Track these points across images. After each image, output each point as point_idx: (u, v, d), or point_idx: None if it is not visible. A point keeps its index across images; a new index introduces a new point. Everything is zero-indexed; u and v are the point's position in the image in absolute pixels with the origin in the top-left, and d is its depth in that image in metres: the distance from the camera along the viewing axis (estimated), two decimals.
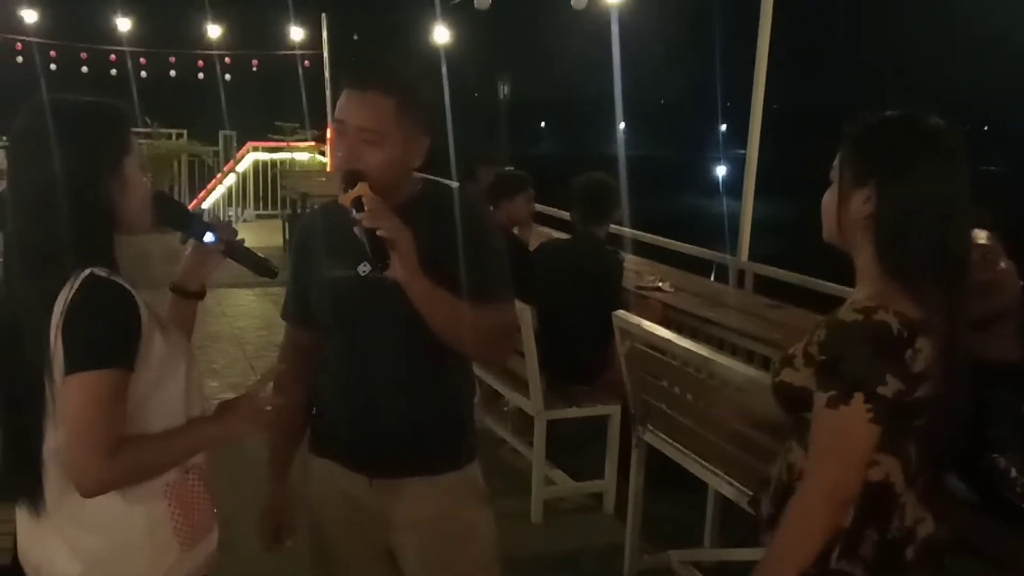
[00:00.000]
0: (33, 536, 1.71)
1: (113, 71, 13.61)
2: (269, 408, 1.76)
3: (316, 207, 2.18)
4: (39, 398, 1.59)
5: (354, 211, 1.75)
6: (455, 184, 3.53)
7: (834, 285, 4.93)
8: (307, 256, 2.04)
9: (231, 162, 12.59)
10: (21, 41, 13.14)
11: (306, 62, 13.92)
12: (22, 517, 1.71)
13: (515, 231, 4.73)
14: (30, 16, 12.82)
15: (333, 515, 2.05)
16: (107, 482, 1.58)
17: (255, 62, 14.67)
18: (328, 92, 12.74)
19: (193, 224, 1.82)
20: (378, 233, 1.72)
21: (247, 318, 7.62)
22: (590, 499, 4.26)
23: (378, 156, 1.83)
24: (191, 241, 1.85)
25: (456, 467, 2.01)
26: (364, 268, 1.89)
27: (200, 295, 1.90)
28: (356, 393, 1.96)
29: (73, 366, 1.54)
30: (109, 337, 1.57)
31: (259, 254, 1.90)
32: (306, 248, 2.05)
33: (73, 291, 1.56)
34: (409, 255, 1.74)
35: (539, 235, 5.07)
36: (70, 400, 1.55)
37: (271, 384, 1.85)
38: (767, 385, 2.28)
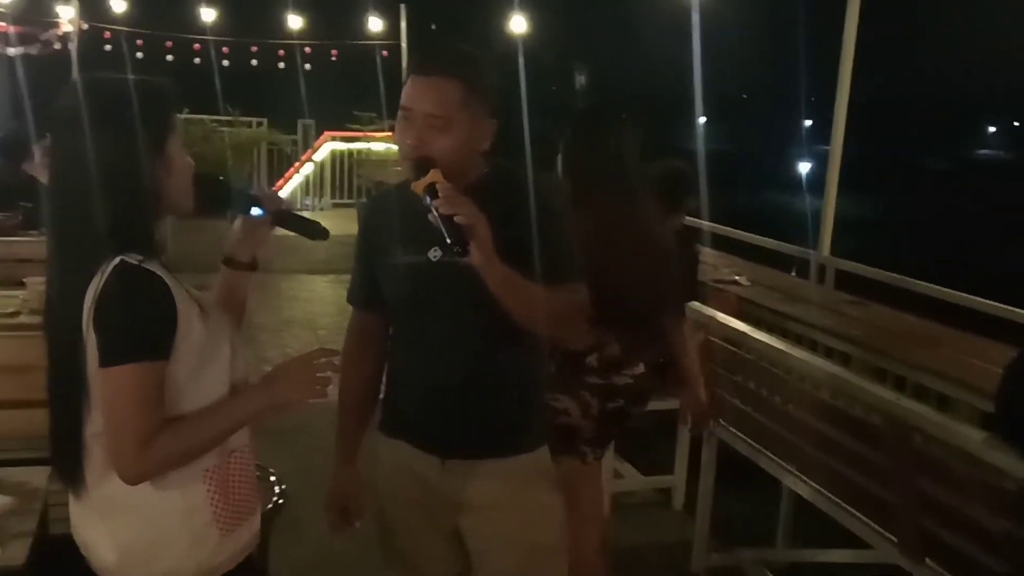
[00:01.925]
0: (78, 516, 1.70)
1: (197, 60, 13.90)
2: (322, 375, 1.65)
3: (383, 191, 2.16)
4: (78, 383, 1.57)
5: (428, 198, 1.74)
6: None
7: (923, 283, 4.75)
8: (375, 240, 2.05)
9: (309, 151, 12.76)
10: (109, 30, 13.52)
11: (384, 52, 14.03)
12: (71, 496, 1.71)
13: None
14: (119, 5, 13.18)
15: (402, 496, 2.04)
16: (147, 471, 1.56)
17: (334, 52, 14.80)
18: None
19: (238, 201, 1.80)
20: (455, 219, 1.70)
21: (321, 304, 7.71)
22: (659, 495, 4.19)
23: (446, 142, 1.83)
24: (240, 216, 1.81)
25: (528, 449, 2.00)
26: (435, 253, 1.89)
27: (253, 267, 1.86)
28: (429, 375, 1.95)
29: (106, 359, 1.52)
30: (141, 329, 1.54)
31: (307, 217, 1.87)
32: (374, 232, 2.06)
33: (103, 280, 1.52)
34: (486, 240, 1.72)
35: None
36: (104, 393, 1.54)
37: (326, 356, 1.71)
38: (847, 381, 2.35)
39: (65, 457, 1.65)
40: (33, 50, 11.67)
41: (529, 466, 2.00)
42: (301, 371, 1.66)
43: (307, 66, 14.30)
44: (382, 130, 13.15)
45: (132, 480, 1.56)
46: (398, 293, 1.99)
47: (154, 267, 1.56)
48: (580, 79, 19.48)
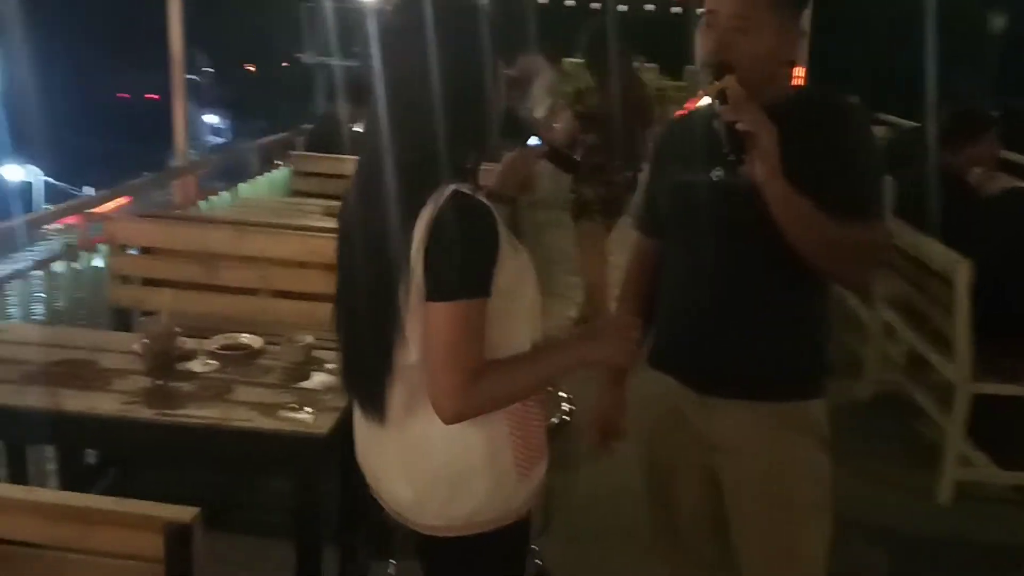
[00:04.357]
0: (371, 444, 1.68)
1: (595, 4, 14.32)
2: (633, 338, 1.61)
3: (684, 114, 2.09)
4: (394, 313, 1.49)
5: (717, 103, 1.65)
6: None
7: None
8: (663, 161, 1.99)
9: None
10: None
11: None
12: (360, 421, 1.68)
13: (969, 177, 4.14)
14: None
15: (661, 429, 2.00)
16: (468, 411, 1.50)
17: None
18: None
19: (526, 130, 1.82)
20: (738, 127, 1.60)
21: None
22: (1016, 492, 3.66)
23: (749, 45, 1.71)
24: (517, 147, 1.81)
25: (794, 398, 1.83)
26: (718, 173, 1.78)
27: (514, 200, 1.82)
28: (694, 304, 1.86)
29: (440, 294, 1.44)
30: (475, 265, 1.46)
31: (568, 152, 1.90)
32: (664, 153, 2.01)
33: (439, 209, 1.43)
34: (770, 153, 1.60)
35: (999, 184, 4.36)
36: (435, 328, 1.46)
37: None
38: None
39: (371, 386, 1.59)
40: (389, 5, 12.76)
41: (793, 416, 1.83)
42: (614, 331, 1.63)
43: (699, 10, 14.11)
44: None
45: (451, 419, 1.50)
46: (673, 215, 1.92)
47: (483, 199, 1.49)
48: (998, 22, 16.93)
